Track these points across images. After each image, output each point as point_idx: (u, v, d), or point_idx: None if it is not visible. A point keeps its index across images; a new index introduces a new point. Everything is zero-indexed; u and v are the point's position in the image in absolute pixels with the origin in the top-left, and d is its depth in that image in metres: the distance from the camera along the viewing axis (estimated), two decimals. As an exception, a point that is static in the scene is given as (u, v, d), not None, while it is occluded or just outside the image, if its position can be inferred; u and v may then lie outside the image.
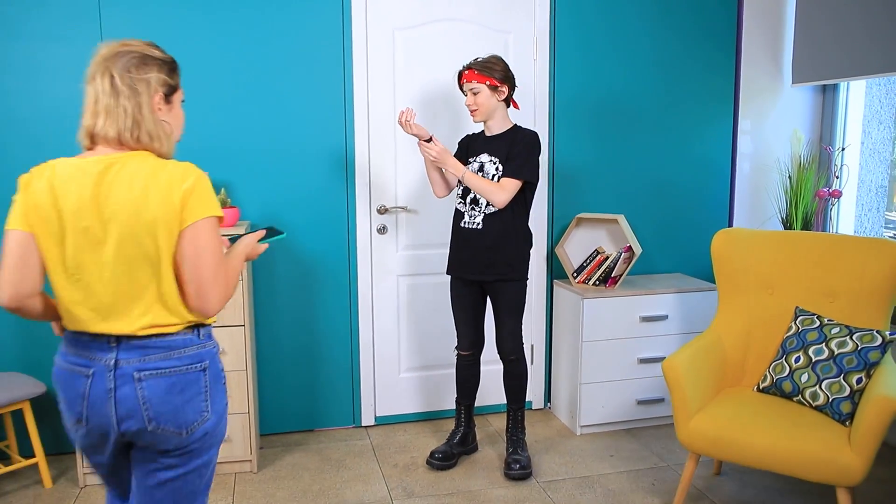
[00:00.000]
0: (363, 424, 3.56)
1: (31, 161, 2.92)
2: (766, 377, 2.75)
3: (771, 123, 3.82)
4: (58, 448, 3.23)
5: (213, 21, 3.14)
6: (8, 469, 2.84)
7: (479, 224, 2.91)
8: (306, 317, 3.42)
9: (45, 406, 3.17)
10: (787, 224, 3.71)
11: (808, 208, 3.63)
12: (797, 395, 2.63)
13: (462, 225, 2.96)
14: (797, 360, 2.65)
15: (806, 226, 3.65)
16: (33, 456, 3.03)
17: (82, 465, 2.93)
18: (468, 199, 2.94)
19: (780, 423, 2.47)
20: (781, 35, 3.77)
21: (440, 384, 3.64)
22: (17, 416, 3.17)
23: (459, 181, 2.93)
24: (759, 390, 2.78)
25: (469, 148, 3.00)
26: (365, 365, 3.52)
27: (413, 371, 3.61)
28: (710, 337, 2.88)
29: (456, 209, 3.00)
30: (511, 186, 2.82)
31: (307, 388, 3.47)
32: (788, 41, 3.77)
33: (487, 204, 2.88)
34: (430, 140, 2.85)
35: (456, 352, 3.16)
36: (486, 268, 2.92)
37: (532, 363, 3.73)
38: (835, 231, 3.80)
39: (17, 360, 3.14)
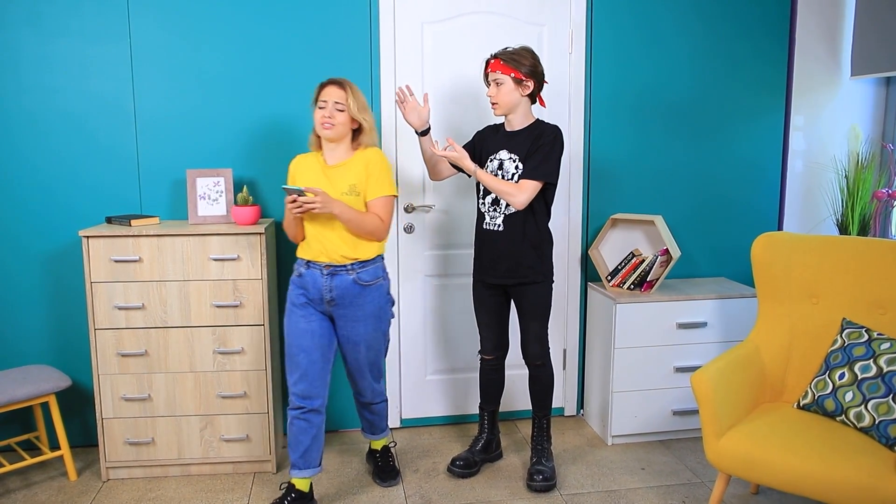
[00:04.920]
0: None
1: (79, 152, 3.01)
2: (806, 394, 2.56)
3: (826, 119, 3.57)
4: (85, 440, 3.27)
5: (239, 16, 3.11)
6: (35, 460, 2.89)
7: (499, 226, 2.79)
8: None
9: (71, 399, 3.22)
10: (843, 227, 3.47)
11: (865, 211, 3.39)
12: (840, 415, 2.43)
13: (484, 227, 2.85)
14: (841, 376, 2.46)
15: (863, 229, 3.40)
16: (59, 448, 3.08)
17: (105, 459, 2.95)
18: (489, 200, 2.83)
19: (820, 444, 2.28)
20: (840, 23, 3.51)
21: (468, 387, 3.54)
22: (46, 408, 3.23)
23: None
24: (799, 407, 2.58)
25: (487, 142, 2.89)
26: (391, 366, 3.46)
27: (440, 374, 3.53)
28: (748, 348, 2.70)
29: (478, 210, 2.90)
30: (531, 188, 2.69)
31: (331, 389, 3.42)
32: (848, 30, 3.51)
33: (508, 205, 2.76)
34: (427, 132, 2.83)
35: (479, 356, 3.06)
36: (507, 271, 2.81)
37: (565, 368, 3.60)
38: (896, 235, 3.53)
39: (47, 353, 3.19)
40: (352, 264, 2.61)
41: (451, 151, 2.69)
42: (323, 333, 2.67)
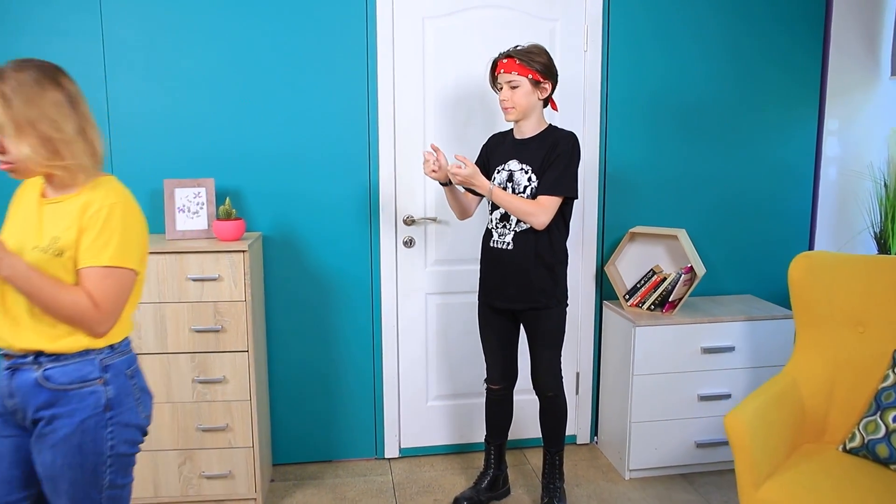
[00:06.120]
0: (386, 456, 3.23)
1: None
2: (854, 436, 2.28)
3: (863, 122, 3.28)
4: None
5: (222, 10, 2.83)
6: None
7: (508, 244, 2.51)
8: (325, 338, 3.10)
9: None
10: (881, 240, 3.18)
11: (907, 223, 3.10)
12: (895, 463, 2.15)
13: (491, 245, 2.57)
14: None
15: (904, 244, 3.11)
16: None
17: None
18: (497, 215, 2.55)
19: (874, 499, 2.00)
20: (879, 18, 3.21)
21: (473, 414, 3.27)
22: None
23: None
24: (844, 451, 2.30)
25: (495, 152, 2.61)
26: (389, 392, 3.18)
27: (442, 399, 3.25)
28: (784, 381, 2.42)
29: (487, 226, 2.62)
30: (551, 205, 2.41)
31: (325, 416, 3.15)
32: (888, 25, 3.21)
33: (519, 220, 2.48)
34: (450, 182, 2.51)
35: (485, 385, 2.78)
36: (517, 294, 2.53)
37: (578, 393, 3.32)
38: (939, 250, 3.24)
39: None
40: (38, 356, 1.61)
41: (462, 169, 2.38)
42: (13, 460, 1.68)
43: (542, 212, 2.40)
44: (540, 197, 2.42)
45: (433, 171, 2.45)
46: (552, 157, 2.43)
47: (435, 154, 2.45)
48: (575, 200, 2.57)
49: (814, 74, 3.26)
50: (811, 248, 3.38)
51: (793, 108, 3.26)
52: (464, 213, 2.66)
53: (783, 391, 2.37)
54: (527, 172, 2.47)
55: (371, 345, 3.14)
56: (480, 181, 2.41)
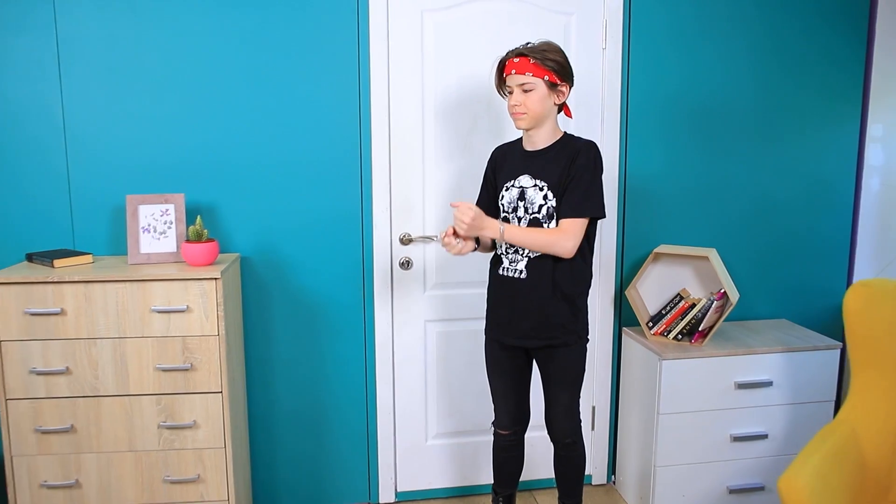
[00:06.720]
0: (381, 501, 2.89)
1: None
2: (928, 499, 1.95)
3: (911, 129, 2.96)
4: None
5: (188, 2, 2.49)
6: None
7: (521, 272, 2.17)
8: (312, 372, 2.76)
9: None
10: (931, 260, 2.86)
11: (962, 242, 2.77)
12: (981, 536, 1.83)
13: (501, 272, 2.24)
14: (979, 480, 1.84)
15: (959, 264, 2.79)
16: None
17: None
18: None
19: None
20: (929, 14, 2.89)
21: (477, 454, 2.93)
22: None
23: (502, 204, 2.22)
24: (916, 515, 1.98)
25: (503, 167, 2.27)
26: (384, 430, 2.84)
27: (444, 438, 2.92)
28: (842, 432, 2.09)
29: (496, 251, 2.28)
30: (577, 228, 2.08)
31: (313, 459, 2.82)
32: (939, 22, 2.90)
33: (535, 246, 2.15)
34: (478, 242, 2.23)
35: (493, 428, 2.45)
36: (532, 330, 2.19)
37: (594, 429, 2.99)
38: None
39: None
40: None
41: (466, 217, 2.03)
42: None
43: (567, 238, 2.07)
44: (563, 221, 2.09)
45: (460, 250, 2.14)
46: (572, 171, 2.09)
47: (452, 237, 2.12)
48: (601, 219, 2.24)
49: (856, 75, 2.93)
50: (850, 267, 3.06)
51: (832, 112, 2.94)
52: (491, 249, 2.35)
53: (842, 445, 2.04)
54: (541, 189, 2.13)
55: (364, 378, 2.80)
56: (489, 223, 2.08)
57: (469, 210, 2.03)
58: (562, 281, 2.14)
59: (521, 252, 2.17)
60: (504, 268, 2.22)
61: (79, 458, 2.33)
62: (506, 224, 2.10)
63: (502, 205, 2.22)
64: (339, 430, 2.82)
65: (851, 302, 2.19)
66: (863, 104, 2.96)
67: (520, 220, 2.17)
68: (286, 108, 2.59)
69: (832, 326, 3.07)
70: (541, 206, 2.13)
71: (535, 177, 2.15)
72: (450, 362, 2.87)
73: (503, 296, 2.23)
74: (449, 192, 2.74)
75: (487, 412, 2.89)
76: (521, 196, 2.16)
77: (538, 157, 2.18)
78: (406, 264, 2.76)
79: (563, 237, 2.06)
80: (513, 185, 2.19)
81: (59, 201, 2.53)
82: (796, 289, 3.03)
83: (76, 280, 2.23)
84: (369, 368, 2.80)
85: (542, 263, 2.14)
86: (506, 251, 2.21)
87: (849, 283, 3.07)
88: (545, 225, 2.13)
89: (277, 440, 2.78)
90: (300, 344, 2.74)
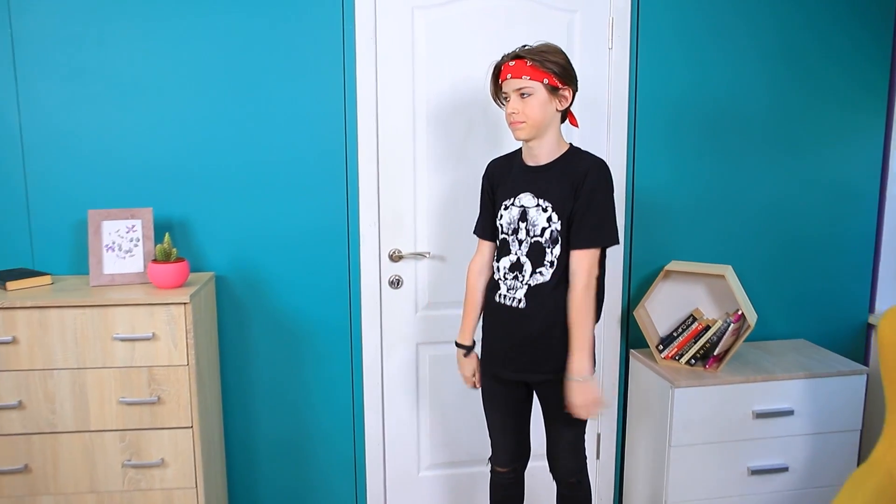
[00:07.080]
0: (369, 538, 2.68)
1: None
2: (978, 554, 1.74)
3: (939, 135, 2.76)
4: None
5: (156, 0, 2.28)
6: None
7: (520, 301, 1.96)
8: (294, 400, 2.55)
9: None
10: (961, 276, 2.65)
11: None
12: None
13: (497, 299, 2.02)
14: None
15: None
16: None
17: None
18: (505, 263, 2.00)
19: None
20: (959, 12, 2.69)
21: (473, 486, 2.72)
22: None
23: (500, 224, 2.00)
24: (963, 571, 1.77)
25: (501, 183, 2.05)
26: (373, 460, 2.63)
27: (437, 469, 2.71)
28: (878, 475, 1.88)
29: (492, 275, 2.07)
30: (591, 259, 1.90)
31: (297, 492, 2.61)
32: (969, 20, 2.70)
33: (534, 271, 1.93)
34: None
35: (490, 465, 2.24)
36: (531, 364, 1.98)
37: (598, 458, 2.78)
38: None
39: None
40: None
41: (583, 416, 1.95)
42: None
43: (582, 278, 1.90)
44: (575, 253, 1.88)
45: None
46: (581, 195, 1.88)
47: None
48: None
49: (881, 78, 2.72)
50: (874, 284, 2.86)
51: (855, 118, 2.73)
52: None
53: (879, 490, 1.83)
54: (545, 210, 1.92)
55: (350, 405, 2.59)
56: (593, 385, 1.93)
57: (601, 403, 1.94)
58: (565, 309, 1.93)
59: (520, 279, 1.95)
60: (501, 295, 2.00)
61: (34, 501, 2.12)
62: (578, 362, 1.90)
63: (500, 225, 2.00)
64: (324, 462, 2.61)
65: (886, 329, 1.99)
66: (888, 110, 2.76)
67: (521, 242, 1.95)
68: (265, 113, 2.38)
69: (854, 347, 2.87)
70: (544, 230, 1.92)
71: (537, 196, 1.94)
72: (444, 388, 2.66)
73: (500, 326, 2.01)
74: (442, 205, 2.53)
75: (484, 442, 2.69)
76: (523, 217, 1.95)
77: (541, 173, 1.96)
78: (396, 283, 2.55)
79: (582, 290, 1.89)
80: (512, 205, 1.98)
81: (16, 216, 2.32)
82: (816, 307, 2.83)
83: (28, 306, 2.01)
84: (356, 395, 2.59)
85: (543, 292, 1.93)
86: (504, 276, 1.99)
87: (872, 300, 2.87)
88: (547, 249, 1.92)
89: (259, 474, 2.57)
90: (282, 369, 2.53)
